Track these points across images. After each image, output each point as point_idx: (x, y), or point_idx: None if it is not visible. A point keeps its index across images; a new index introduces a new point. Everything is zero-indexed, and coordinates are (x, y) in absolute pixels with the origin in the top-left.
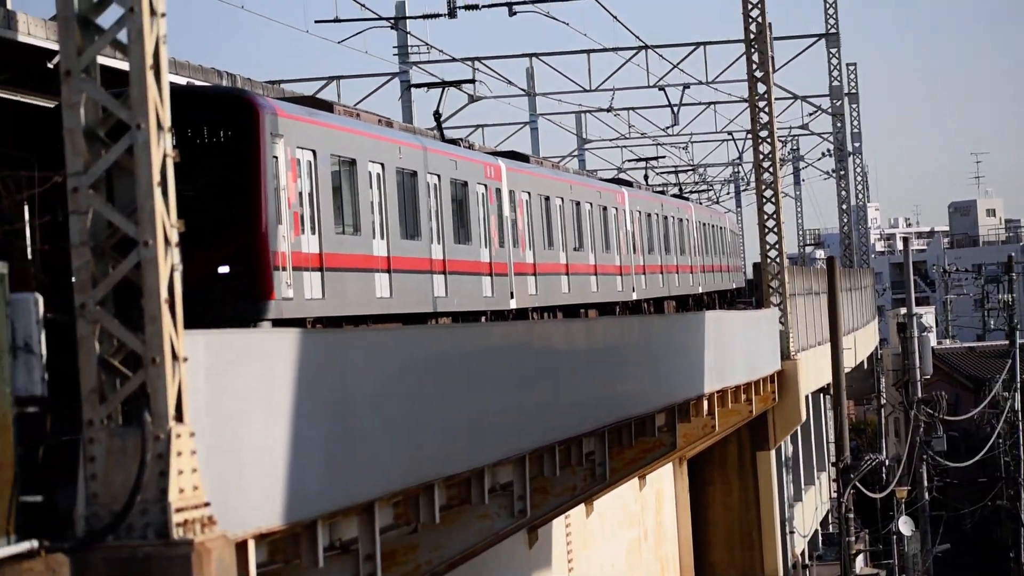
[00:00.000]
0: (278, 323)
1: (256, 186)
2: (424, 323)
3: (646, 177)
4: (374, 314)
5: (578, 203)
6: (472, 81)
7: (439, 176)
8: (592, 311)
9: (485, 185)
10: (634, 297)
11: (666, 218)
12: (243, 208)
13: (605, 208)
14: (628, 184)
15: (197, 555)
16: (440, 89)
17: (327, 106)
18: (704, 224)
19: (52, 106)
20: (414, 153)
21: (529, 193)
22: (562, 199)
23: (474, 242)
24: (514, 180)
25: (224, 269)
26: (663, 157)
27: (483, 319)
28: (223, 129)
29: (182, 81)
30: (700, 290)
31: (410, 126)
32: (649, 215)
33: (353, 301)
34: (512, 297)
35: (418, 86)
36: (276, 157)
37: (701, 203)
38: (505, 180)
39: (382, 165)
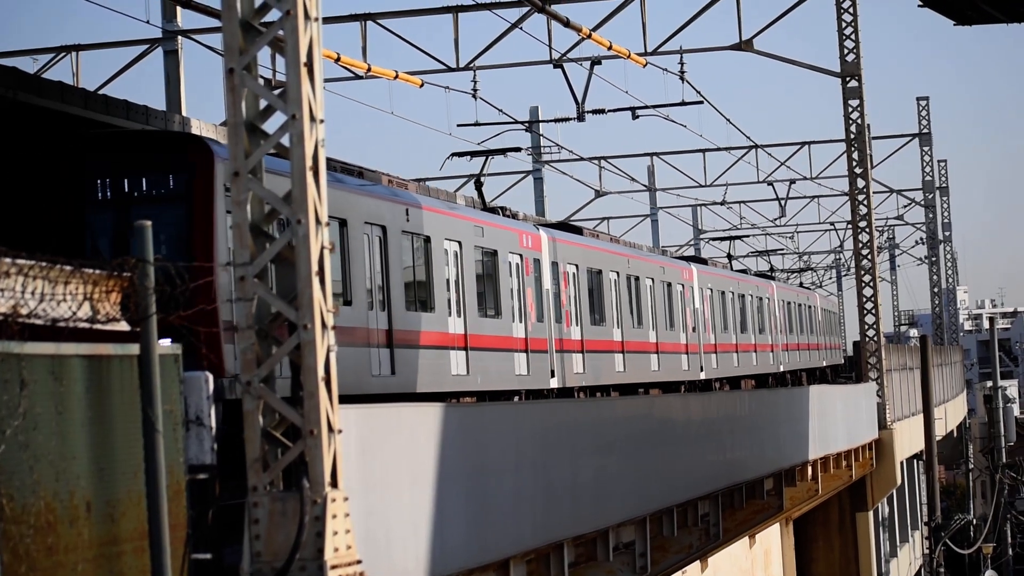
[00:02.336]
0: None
1: (205, 243)
2: (442, 401)
3: (730, 256)
4: (371, 394)
5: (637, 278)
6: (517, 149)
7: (460, 243)
8: (654, 390)
9: (520, 255)
10: (702, 376)
11: (743, 296)
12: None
13: (669, 284)
14: (702, 262)
15: None
16: (483, 158)
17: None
18: (788, 303)
19: None
20: (427, 216)
21: (576, 266)
22: (617, 273)
23: (504, 316)
24: (557, 251)
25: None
26: (747, 236)
27: (516, 399)
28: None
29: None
30: (782, 368)
31: (439, 190)
32: (723, 292)
33: (344, 381)
34: (553, 376)
35: (461, 154)
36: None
37: (802, 285)
38: (546, 250)
39: (383, 228)
